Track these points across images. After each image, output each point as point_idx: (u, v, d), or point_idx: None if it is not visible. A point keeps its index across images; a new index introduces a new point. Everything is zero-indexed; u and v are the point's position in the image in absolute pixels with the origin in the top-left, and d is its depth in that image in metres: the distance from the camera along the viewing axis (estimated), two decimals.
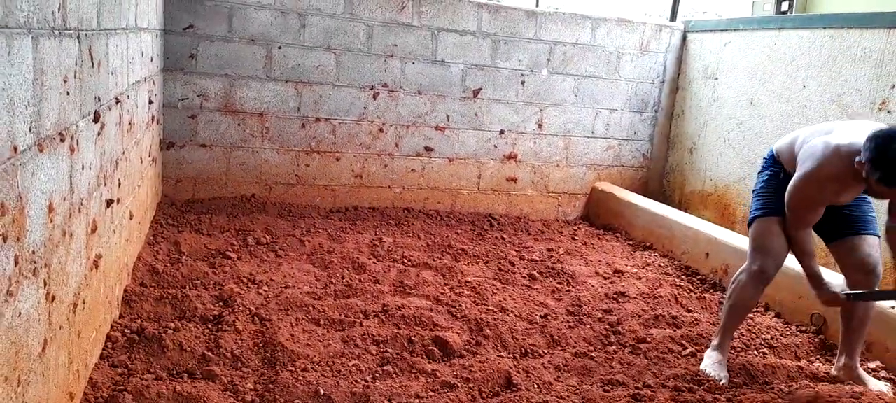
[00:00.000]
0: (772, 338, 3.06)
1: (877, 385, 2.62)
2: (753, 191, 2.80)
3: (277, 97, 4.38)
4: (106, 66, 2.26)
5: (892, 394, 2.54)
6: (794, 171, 2.52)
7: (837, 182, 2.34)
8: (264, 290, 3.07)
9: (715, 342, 2.77)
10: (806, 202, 2.45)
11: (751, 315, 3.28)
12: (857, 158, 2.22)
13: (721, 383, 2.58)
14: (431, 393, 2.35)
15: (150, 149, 3.57)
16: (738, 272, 2.77)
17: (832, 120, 3.88)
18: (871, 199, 2.60)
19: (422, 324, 2.87)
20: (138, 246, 3.26)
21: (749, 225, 2.74)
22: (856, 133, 2.32)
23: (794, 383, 2.57)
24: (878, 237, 2.61)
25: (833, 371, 2.70)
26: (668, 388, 2.52)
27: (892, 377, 2.76)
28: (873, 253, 2.56)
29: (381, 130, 4.62)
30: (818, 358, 2.94)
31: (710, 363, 2.69)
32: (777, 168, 2.70)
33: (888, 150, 2.12)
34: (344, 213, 4.52)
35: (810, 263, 2.56)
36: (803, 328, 3.19)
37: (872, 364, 2.86)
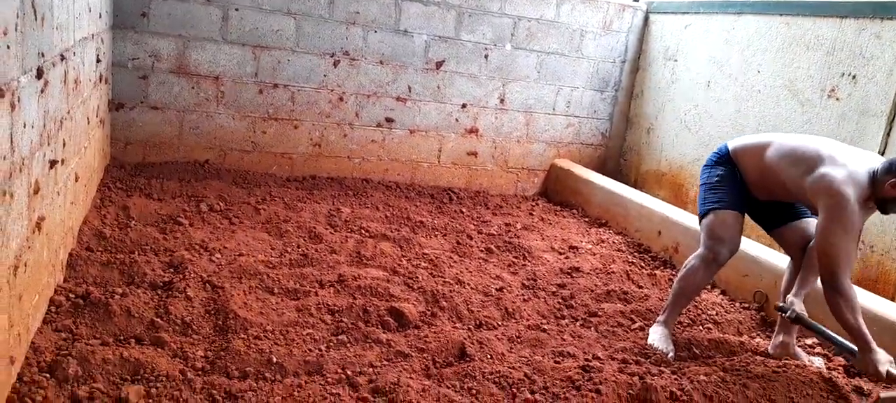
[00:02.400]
0: (717, 314, 3.17)
1: (812, 361, 2.75)
2: (706, 184, 2.81)
3: (234, 61, 4.26)
4: (50, 21, 2.16)
5: (826, 370, 2.67)
6: (758, 176, 2.64)
7: (863, 208, 2.38)
8: (217, 258, 3.01)
9: (662, 317, 2.86)
10: (851, 234, 2.34)
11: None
12: (893, 179, 2.29)
13: (668, 356, 2.66)
14: (385, 363, 2.36)
15: (97, 110, 3.44)
16: (691, 256, 2.84)
17: (784, 104, 4.00)
18: None
19: (378, 295, 2.87)
20: (84, 210, 3.15)
21: (703, 216, 2.78)
22: (850, 155, 2.43)
23: (735, 357, 2.67)
24: (814, 218, 2.74)
25: (769, 349, 2.80)
26: (617, 360, 2.58)
27: (828, 353, 2.89)
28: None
29: (341, 99, 4.55)
30: (759, 334, 3.06)
31: (657, 337, 2.77)
32: (732, 166, 2.74)
33: None
34: (301, 182, 4.46)
35: (859, 320, 2.38)
36: (746, 305, 3.31)
37: (809, 341, 2.99)
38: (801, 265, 2.72)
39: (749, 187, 2.73)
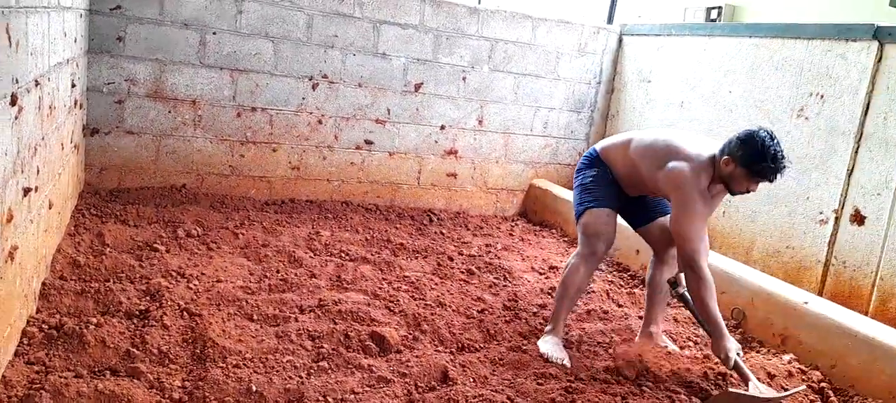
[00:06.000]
0: (697, 334, 3.20)
1: (673, 348, 3.01)
2: (580, 185, 2.93)
3: (211, 84, 4.23)
4: (25, 46, 2.13)
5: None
6: (625, 172, 2.83)
7: (709, 192, 2.58)
8: (194, 284, 2.97)
9: (550, 326, 2.93)
10: (700, 220, 2.55)
11: (682, 310, 3.43)
12: (725, 157, 2.51)
13: (564, 362, 2.72)
14: (367, 389, 2.34)
15: (72, 135, 3.39)
16: (571, 256, 2.95)
17: (756, 124, 4.08)
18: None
19: (359, 319, 2.85)
20: (58, 238, 3.09)
21: (579, 215, 2.89)
22: (696, 144, 2.67)
23: (722, 380, 2.69)
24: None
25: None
26: (599, 380, 2.59)
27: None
28: None
29: (320, 122, 4.55)
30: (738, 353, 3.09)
31: (550, 347, 2.82)
32: (604, 167, 2.89)
33: (756, 145, 2.47)
34: (280, 206, 4.43)
35: (715, 307, 2.56)
36: (724, 321, 3.35)
37: (786, 358, 3.03)
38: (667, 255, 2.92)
39: (621, 184, 2.89)
